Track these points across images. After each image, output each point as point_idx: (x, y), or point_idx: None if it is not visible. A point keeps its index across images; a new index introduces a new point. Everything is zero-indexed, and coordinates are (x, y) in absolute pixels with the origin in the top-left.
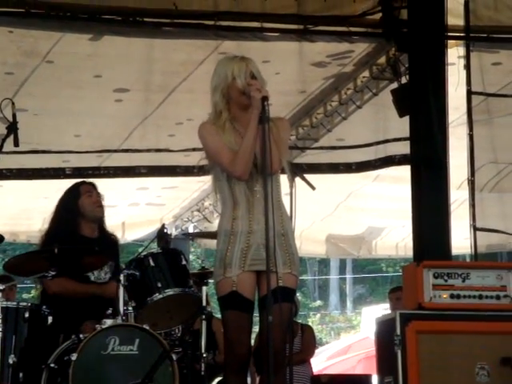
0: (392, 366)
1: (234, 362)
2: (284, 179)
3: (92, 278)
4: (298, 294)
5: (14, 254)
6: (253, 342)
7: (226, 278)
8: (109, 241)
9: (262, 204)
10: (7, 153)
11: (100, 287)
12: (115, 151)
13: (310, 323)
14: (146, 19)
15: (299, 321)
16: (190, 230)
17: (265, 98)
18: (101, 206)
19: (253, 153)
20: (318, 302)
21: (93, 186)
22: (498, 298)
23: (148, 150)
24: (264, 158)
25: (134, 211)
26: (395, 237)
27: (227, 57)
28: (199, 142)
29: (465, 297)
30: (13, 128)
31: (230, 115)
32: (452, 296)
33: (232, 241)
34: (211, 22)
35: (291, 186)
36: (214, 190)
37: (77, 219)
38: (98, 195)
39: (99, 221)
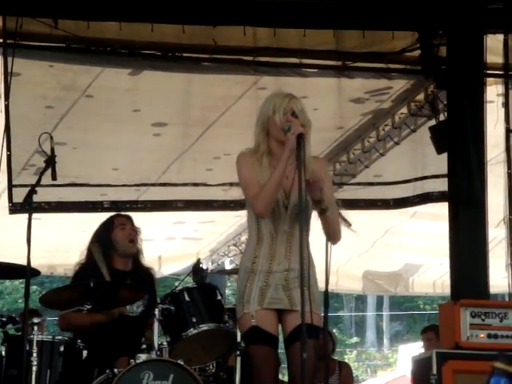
0: None
1: None
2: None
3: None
4: (334, 331)
5: (52, 286)
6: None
7: (245, 314)
8: (144, 274)
9: (285, 246)
10: (46, 186)
11: (105, 314)
12: (152, 185)
13: (346, 360)
14: (185, 54)
15: (336, 358)
16: (227, 265)
17: (301, 136)
18: (133, 241)
19: (277, 192)
20: (355, 339)
21: (128, 218)
22: None
23: (185, 184)
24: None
25: (171, 245)
26: (433, 274)
27: (274, 92)
28: (237, 177)
29: (502, 337)
30: (51, 162)
31: (268, 149)
32: (489, 336)
33: (251, 278)
34: (250, 58)
35: None
36: (247, 224)
37: (109, 252)
38: (133, 228)
39: (131, 255)
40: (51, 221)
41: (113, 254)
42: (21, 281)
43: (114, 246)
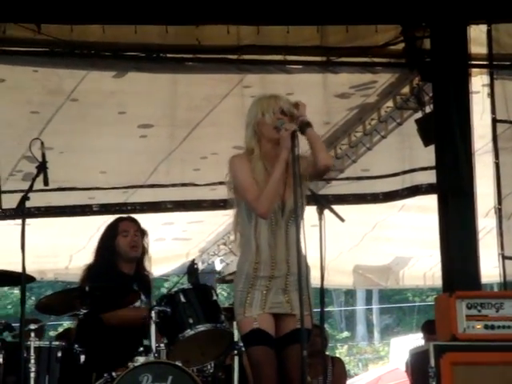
0: None
1: None
2: (312, 211)
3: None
4: (325, 326)
5: (40, 291)
6: None
7: (246, 318)
8: (143, 278)
9: (284, 251)
10: (35, 191)
11: (141, 310)
12: (141, 187)
13: (337, 355)
14: (169, 55)
15: (327, 353)
16: (217, 264)
17: (294, 133)
18: (135, 247)
19: (277, 192)
20: (345, 333)
21: (132, 221)
22: None
23: (173, 185)
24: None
25: (160, 246)
26: (423, 266)
27: (259, 96)
28: (224, 176)
29: (499, 327)
30: (42, 167)
31: (261, 152)
32: (486, 327)
33: (253, 283)
34: (234, 56)
35: (320, 219)
36: (234, 225)
37: (114, 257)
38: (135, 234)
39: (135, 260)
40: (40, 226)
41: (117, 258)
42: (9, 287)
43: (117, 251)
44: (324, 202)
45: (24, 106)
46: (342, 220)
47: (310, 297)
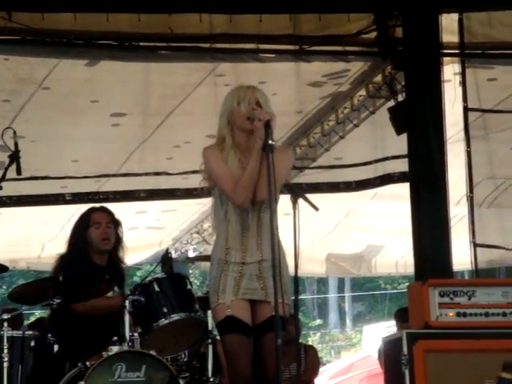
0: None
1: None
2: (285, 200)
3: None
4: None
5: (12, 280)
6: None
7: (220, 304)
8: (116, 269)
9: (256, 237)
10: (6, 180)
11: (113, 298)
12: (113, 176)
13: (310, 342)
14: (141, 43)
15: (300, 341)
16: (190, 253)
17: (268, 123)
18: (107, 239)
19: (254, 182)
20: (318, 321)
21: (105, 212)
22: (504, 315)
23: (147, 174)
24: (268, 185)
25: (133, 235)
26: (395, 254)
27: (236, 86)
28: (198, 165)
29: (471, 315)
30: (15, 157)
31: (234, 142)
32: (458, 314)
33: (225, 269)
34: (207, 45)
35: (294, 208)
36: (212, 212)
37: (86, 248)
38: (108, 226)
39: (106, 252)
40: (12, 215)
41: (89, 249)
42: None
43: (89, 242)
44: (298, 191)
45: None
46: (316, 209)
47: (286, 284)
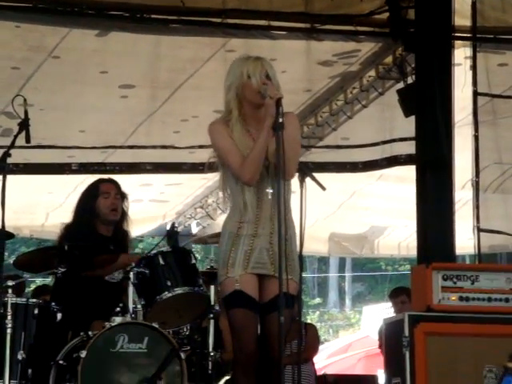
0: (400, 367)
1: (242, 359)
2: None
3: (106, 277)
4: None
5: (14, 247)
6: None
7: (228, 278)
8: (121, 239)
9: (270, 209)
10: (13, 147)
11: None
12: (120, 147)
13: (309, 321)
14: (153, 16)
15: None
16: (193, 227)
17: (279, 101)
18: (115, 210)
19: (262, 159)
20: (317, 300)
21: (113, 184)
22: (506, 300)
23: (153, 147)
24: (278, 163)
25: (137, 207)
26: (398, 236)
27: (242, 57)
28: (204, 140)
29: (474, 299)
30: (25, 125)
31: (241, 114)
32: (461, 298)
33: (236, 242)
34: (218, 20)
35: (301, 187)
36: (221, 187)
37: (93, 218)
38: (116, 197)
39: (113, 223)
40: (17, 182)
41: (96, 219)
42: None
43: (97, 213)
44: (306, 170)
45: (5, 61)
46: (324, 188)
47: (295, 261)
